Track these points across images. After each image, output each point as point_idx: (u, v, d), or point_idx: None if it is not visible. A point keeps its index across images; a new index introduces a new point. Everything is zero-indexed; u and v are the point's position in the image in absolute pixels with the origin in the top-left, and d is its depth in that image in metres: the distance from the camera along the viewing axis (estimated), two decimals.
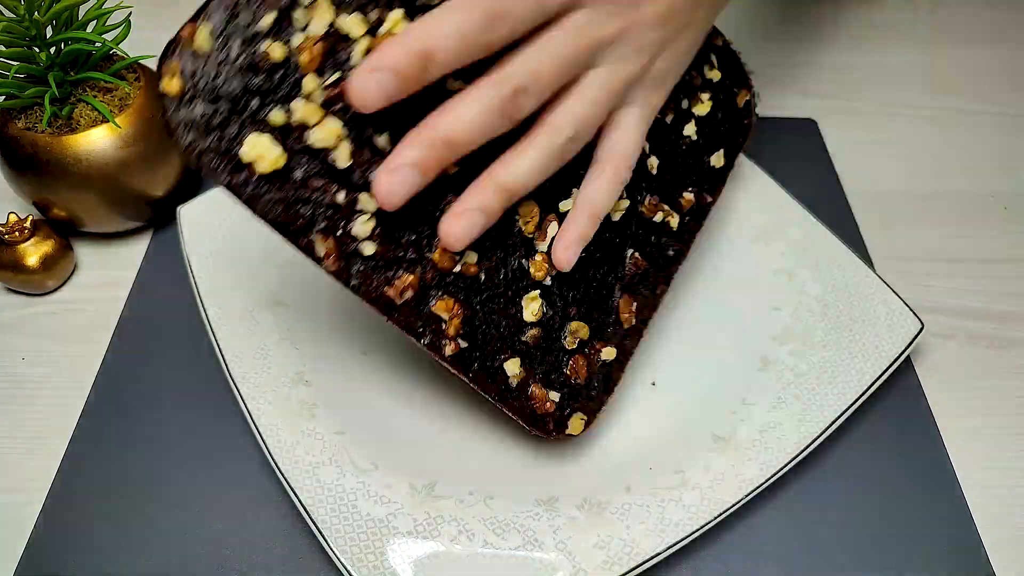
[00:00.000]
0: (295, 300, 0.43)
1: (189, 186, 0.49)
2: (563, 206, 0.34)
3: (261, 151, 0.28)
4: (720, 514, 0.35)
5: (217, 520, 0.37)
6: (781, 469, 0.36)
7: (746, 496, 0.35)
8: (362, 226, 0.30)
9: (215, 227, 0.45)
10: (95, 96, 0.43)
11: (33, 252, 0.44)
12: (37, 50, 0.41)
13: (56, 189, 0.43)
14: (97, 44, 0.42)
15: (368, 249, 0.30)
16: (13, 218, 0.44)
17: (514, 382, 0.34)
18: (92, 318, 0.45)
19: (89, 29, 0.42)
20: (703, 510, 0.35)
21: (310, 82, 0.28)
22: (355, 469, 0.36)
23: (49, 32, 0.42)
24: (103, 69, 0.44)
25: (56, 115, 0.42)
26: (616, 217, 0.36)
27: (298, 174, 0.29)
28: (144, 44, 0.47)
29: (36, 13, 0.40)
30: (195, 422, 0.40)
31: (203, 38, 0.27)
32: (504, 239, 0.33)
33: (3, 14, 0.40)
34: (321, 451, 0.37)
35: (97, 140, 0.42)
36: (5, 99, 0.42)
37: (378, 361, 0.41)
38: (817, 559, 0.36)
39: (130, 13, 0.45)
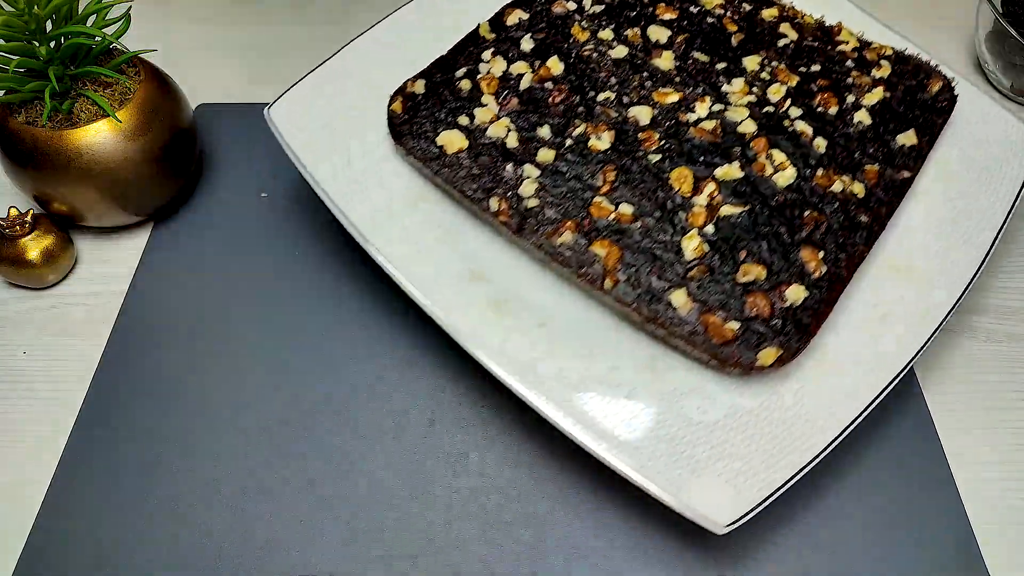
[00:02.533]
0: (437, 196, 0.42)
1: (189, 182, 0.49)
2: (719, 173, 0.39)
3: (450, 140, 0.41)
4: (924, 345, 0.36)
5: (216, 515, 0.37)
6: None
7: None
8: (526, 188, 0.39)
9: (312, 127, 0.43)
10: (95, 90, 0.43)
11: (34, 246, 0.44)
12: (37, 44, 0.41)
13: (56, 183, 0.43)
14: (97, 38, 0.42)
15: (531, 203, 0.39)
16: (14, 212, 0.44)
17: (683, 311, 0.36)
18: (92, 312, 0.45)
19: (89, 23, 0.42)
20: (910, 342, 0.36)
21: (488, 100, 0.42)
22: (574, 356, 0.36)
23: (49, 26, 0.42)
24: (103, 63, 0.44)
25: (56, 109, 0.42)
26: (782, 184, 0.39)
27: (477, 155, 0.41)
28: (144, 38, 0.47)
29: (36, 7, 0.40)
30: (195, 415, 0.40)
31: (419, 86, 0.43)
32: (658, 196, 0.39)
33: (3, 8, 0.40)
34: (532, 346, 0.36)
35: (97, 134, 0.42)
36: (5, 93, 0.42)
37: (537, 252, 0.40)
38: (812, 557, 0.37)
39: (130, 8, 0.45)
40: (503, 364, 0.35)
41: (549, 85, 0.43)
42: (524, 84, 0.43)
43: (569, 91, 0.42)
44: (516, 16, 0.46)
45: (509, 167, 0.40)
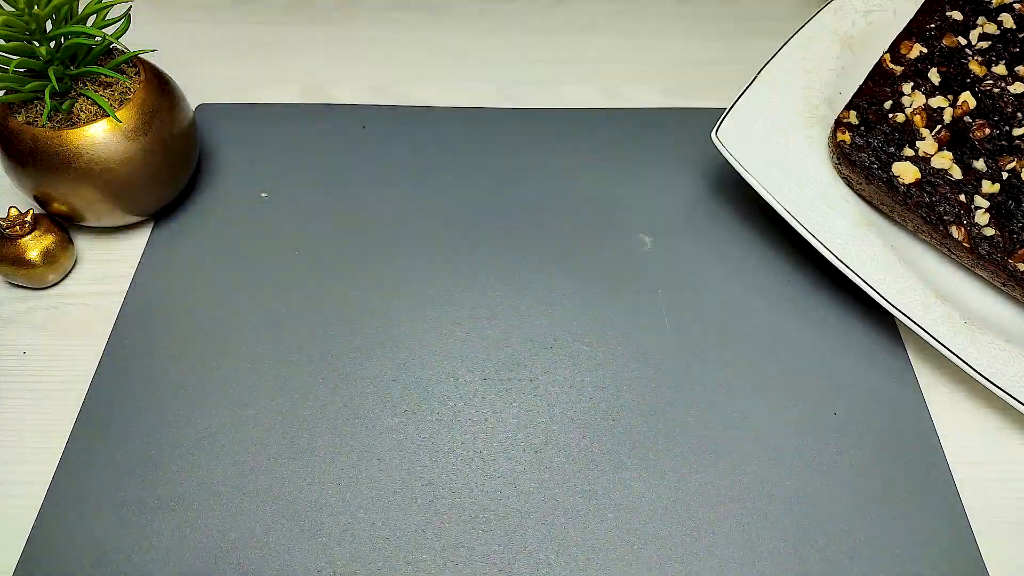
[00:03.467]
0: (880, 220, 0.46)
1: (189, 182, 0.49)
2: None
3: (904, 170, 0.44)
4: None
5: (216, 514, 0.37)
6: None
7: None
8: (980, 217, 0.43)
9: (759, 147, 0.46)
10: (95, 90, 0.44)
11: (34, 246, 0.44)
12: (37, 44, 0.41)
13: (57, 183, 0.43)
14: (97, 38, 0.42)
15: (989, 232, 0.43)
16: (14, 212, 0.44)
17: None
18: (92, 312, 0.45)
19: (89, 23, 0.42)
20: None
21: (924, 133, 0.46)
22: None
23: (49, 26, 0.42)
24: (103, 63, 0.44)
25: (56, 109, 0.42)
26: None
27: (930, 185, 0.44)
28: (144, 38, 0.48)
29: (36, 7, 0.40)
30: (194, 414, 0.40)
31: (853, 116, 0.46)
32: None
33: (3, 8, 0.40)
34: (1011, 361, 0.40)
35: (97, 134, 0.42)
36: (5, 93, 0.42)
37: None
38: (811, 556, 0.37)
39: (130, 8, 0.45)
40: (999, 380, 0.39)
41: (968, 120, 0.46)
42: (947, 118, 0.46)
43: (990, 126, 0.45)
44: (916, 49, 0.49)
45: (962, 197, 0.44)
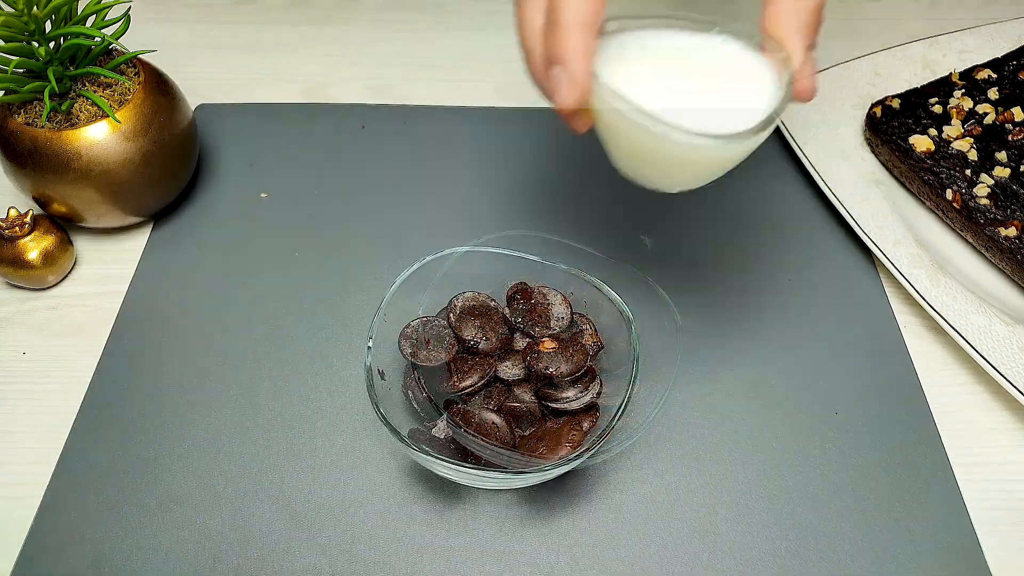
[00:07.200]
0: (887, 179, 0.50)
1: (189, 182, 0.49)
2: None
3: (919, 141, 0.49)
4: None
5: (214, 514, 0.37)
6: None
7: None
8: (980, 190, 0.46)
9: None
10: (95, 91, 0.43)
11: (34, 247, 0.44)
12: (36, 45, 0.41)
13: (56, 184, 0.43)
14: (96, 39, 0.42)
15: (983, 202, 0.46)
16: (13, 213, 0.44)
17: None
18: (92, 312, 0.45)
19: (88, 24, 0.42)
20: None
21: (955, 123, 0.50)
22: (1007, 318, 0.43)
23: (48, 27, 0.42)
24: (102, 64, 0.44)
25: (56, 110, 0.42)
26: None
27: (941, 158, 0.48)
28: (144, 38, 0.47)
29: (35, 8, 0.40)
30: (193, 415, 0.40)
31: (895, 102, 0.51)
32: None
33: (3, 8, 0.40)
34: (959, 298, 0.43)
35: (97, 135, 0.42)
36: (5, 94, 0.42)
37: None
38: (814, 558, 0.36)
39: (129, 8, 0.45)
40: (946, 313, 0.42)
41: (1009, 127, 0.49)
42: (987, 120, 0.50)
43: None
44: (986, 73, 0.53)
45: (967, 172, 0.47)
